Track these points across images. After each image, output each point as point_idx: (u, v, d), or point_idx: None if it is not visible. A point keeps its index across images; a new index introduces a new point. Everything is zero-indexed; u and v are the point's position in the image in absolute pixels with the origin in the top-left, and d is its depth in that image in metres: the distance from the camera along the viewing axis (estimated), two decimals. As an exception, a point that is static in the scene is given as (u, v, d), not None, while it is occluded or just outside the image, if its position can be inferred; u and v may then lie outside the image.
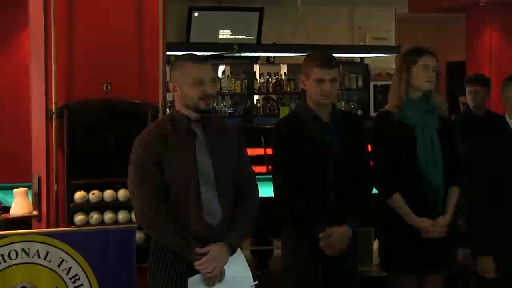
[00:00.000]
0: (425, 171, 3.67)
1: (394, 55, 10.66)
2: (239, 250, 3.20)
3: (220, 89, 10.93)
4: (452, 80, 12.52)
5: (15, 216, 4.14)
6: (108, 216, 3.91)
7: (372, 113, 11.32)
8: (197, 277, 3.08)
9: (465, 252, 4.49)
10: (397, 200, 3.69)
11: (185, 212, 3.11)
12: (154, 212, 3.11)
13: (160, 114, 4.00)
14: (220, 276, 3.11)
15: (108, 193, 3.92)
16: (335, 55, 3.72)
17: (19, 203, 4.18)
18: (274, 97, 11.47)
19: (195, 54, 3.27)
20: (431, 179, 3.68)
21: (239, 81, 11.09)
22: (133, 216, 3.91)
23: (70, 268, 3.48)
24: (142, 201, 3.12)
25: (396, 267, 3.76)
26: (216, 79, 3.22)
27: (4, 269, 3.37)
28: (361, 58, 11.55)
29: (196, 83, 3.13)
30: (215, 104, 11.04)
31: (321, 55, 3.62)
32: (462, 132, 4.70)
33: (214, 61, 10.73)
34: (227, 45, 9.09)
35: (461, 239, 4.08)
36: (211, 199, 3.15)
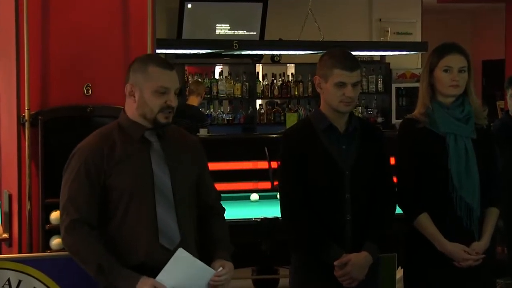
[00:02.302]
0: (458, 188, 3.67)
1: (420, 53, 10.71)
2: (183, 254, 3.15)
3: (218, 92, 10.96)
4: (488, 82, 12.56)
5: (-19, 240, 4.17)
6: (62, 240, 3.94)
7: (394, 121, 11.33)
8: None
9: (505, 283, 4.51)
10: (425, 222, 3.71)
11: (134, 234, 3.12)
12: (79, 234, 3.09)
13: (116, 119, 4.02)
14: None
15: (89, 214, 3.94)
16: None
17: (-14, 225, 4.21)
18: (279, 102, 11.51)
19: (162, 57, 3.30)
20: (465, 197, 3.68)
21: (239, 84, 11.13)
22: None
23: (45, 300, 3.51)
24: (68, 225, 3.10)
25: None
26: (180, 91, 3.28)
27: (-31, 301, 3.41)
28: (381, 56, 11.58)
29: (159, 92, 3.15)
30: (211, 110, 11.08)
31: (343, 53, 3.61)
32: (502, 143, 4.71)
33: (210, 60, 10.78)
34: (226, 42, 9.14)
35: (501, 268, 4.08)
36: (168, 220, 3.16)
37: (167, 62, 3.24)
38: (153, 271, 3.06)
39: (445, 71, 3.71)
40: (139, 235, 3.12)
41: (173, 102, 3.17)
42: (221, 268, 3.17)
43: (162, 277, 3.05)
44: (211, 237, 3.30)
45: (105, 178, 3.12)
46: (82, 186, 3.12)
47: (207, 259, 3.22)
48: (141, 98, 3.17)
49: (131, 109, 3.22)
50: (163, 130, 3.22)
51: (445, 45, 3.79)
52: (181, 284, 3.08)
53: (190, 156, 3.29)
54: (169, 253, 3.11)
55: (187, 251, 3.13)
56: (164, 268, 3.05)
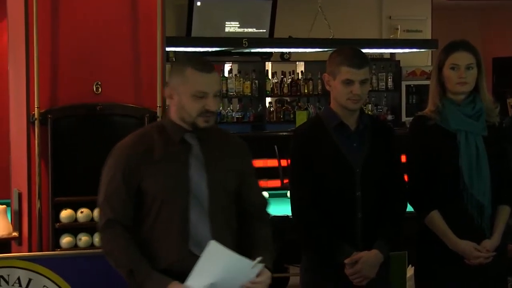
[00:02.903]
0: (469, 185, 3.67)
1: (430, 50, 10.68)
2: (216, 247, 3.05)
3: (227, 90, 10.96)
4: (499, 79, 12.53)
5: (-8, 238, 4.18)
6: (99, 238, 3.94)
7: (404, 118, 11.32)
8: None
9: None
10: (435, 219, 3.70)
11: (165, 237, 3.06)
12: (113, 234, 3.07)
13: (159, 120, 4.02)
14: None
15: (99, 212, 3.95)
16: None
17: (-4, 223, 4.22)
18: (289, 99, 11.50)
19: (201, 58, 3.18)
20: (476, 195, 3.68)
21: (248, 82, 11.11)
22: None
23: (55, 298, 3.52)
24: (103, 225, 3.08)
25: None
26: (220, 92, 3.18)
27: (-21, 299, 3.42)
28: (391, 54, 11.56)
29: (197, 96, 3.06)
30: (221, 108, 11.08)
31: (351, 51, 3.62)
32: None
33: (219, 58, 10.78)
34: (235, 40, 9.14)
35: (510, 267, 4.07)
36: (201, 226, 3.09)
37: (205, 64, 3.11)
38: (181, 277, 2.99)
39: (452, 68, 3.71)
40: (169, 239, 3.07)
41: (212, 106, 3.07)
42: (258, 261, 3.03)
43: (192, 281, 2.95)
44: (252, 245, 3.19)
45: (140, 179, 3.07)
46: (118, 186, 3.07)
47: None
48: (180, 102, 3.09)
49: (172, 111, 3.15)
50: (204, 133, 3.13)
51: (452, 43, 3.79)
52: (217, 281, 2.97)
53: (233, 161, 3.20)
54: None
55: None
56: (195, 268, 2.97)
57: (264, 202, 3.31)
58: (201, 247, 3.02)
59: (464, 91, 3.73)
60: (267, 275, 3.09)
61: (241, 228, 3.23)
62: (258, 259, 3.02)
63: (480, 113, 3.75)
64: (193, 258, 3.00)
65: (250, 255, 3.08)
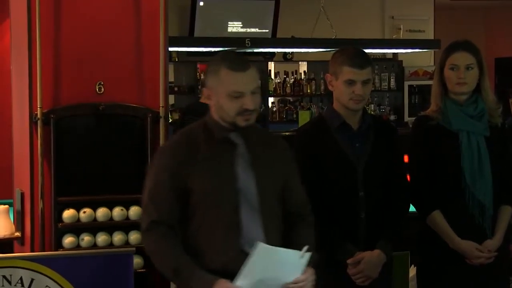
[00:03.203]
0: (471, 185, 3.66)
1: (433, 50, 10.67)
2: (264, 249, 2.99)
3: (230, 90, 10.95)
4: (501, 79, 12.52)
5: (-6, 238, 4.18)
6: (101, 238, 3.95)
7: (407, 118, 11.30)
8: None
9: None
10: (437, 219, 3.70)
11: (215, 238, 3.00)
12: (156, 236, 3.01)
13: (162, 120, 4.01)
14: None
15: (101, 212, 3.96)
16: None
17: (-1, 223, 4.22)
18: (291, 99, 11.50)
19: (235, 56, 3.11)
20: (477, 195, 3.68)
21: (251, 82, 11.10)
22: (130, 238, 3.95)
23: (57, 299, 3.51)
24: (146, 226, 3.02)
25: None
26: (259, 89, 3.14)
27: (-18, 299, 3.42)
28: (394, 54, 11.54)
29: (233, 96, 3.00)
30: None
31: (352, 51, 3.62)
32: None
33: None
34: (238, 40, 9.12)
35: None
36: (254, 226, 3.02)
37: (239, 63, 3.03)
38: (234, 277, 2.93)
39: (452, 69, 3.71)
40: (221, 238, 3.01)
41: (250, 104, 3.00)
42: (305, 250, 2.98)
43: (240, 280, 2.91)
44: (295, 245, 3.08)
45: (186, 179, 3.01)
46: (163, 186, 3.02)
47: None
48: (218, 102, 3.05)
49: (212, 111, 3.11)
50: (248, 132, 3.08)
51: (453, 43, 3.79)
52: (266, 277, 2.92)
53: (277, 160, 3.15)
54: None
55: None
56: (242, 270, 2.91)
57: (307, 203, 3.25)
58: (254, 246, 2.96)
59: (464, 91, 3.73)
60: (310, 272, 3.05)
61: (284, 228, 3.17)
62: (305, 247, 2.98)
63: (482, 114, 3.74)
64: (247, 258, 2.95)
65: None
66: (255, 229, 3.02)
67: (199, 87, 10.32)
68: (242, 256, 2.95)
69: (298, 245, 3.07)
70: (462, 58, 3.71)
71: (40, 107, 3.90)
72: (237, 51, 9.48)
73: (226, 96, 3.01)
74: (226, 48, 9.32)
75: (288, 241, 3.14)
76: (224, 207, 3.01)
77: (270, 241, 2.99)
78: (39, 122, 3.89)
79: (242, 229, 3.00)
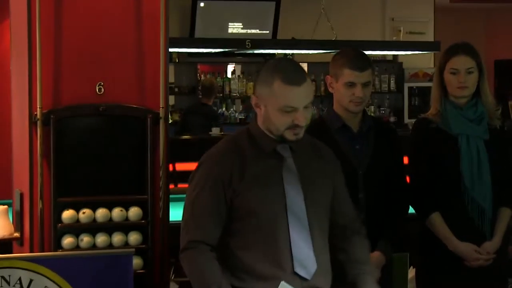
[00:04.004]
0: (470, 189, 3.67)
1: (433, 52, 10.66)
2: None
3: (230, 91, 10.96)
4: (501, 81, 12.51)
5: (-7, 238, 4.16)
6: (101, 238, 3.93)
7: (407, 120, 11.30)
8: None
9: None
10: (436, 221, 3.69)
11: (262, 259, 2.84)
12: (195, 257, 2.88)
13: (162, 121, 4.00)
14: None
15: (101, 213, 3.94)
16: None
17: (-2, 223, 4.20)
18: (292, 101, 11.47)
19: (291, 68, 2.89)
20: (476, 197, 3.68)
21: (251, 83, 11.10)
22: (129, 239, 3.93)
23: (56, 299, 3.50)
24: (185, 245, 2.90)
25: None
26: (311, 102, 2.94)
27: (-20, 300, 3.40)
28: (394, 55, 11.55)
29: (285, 111, 2.84)
30: (224, 109, 11.06)
31: (353, 54, 3.61)
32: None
33: (223, 59, 10.77)
34: (238, 41, 9.11)
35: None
36: (304, 246, 2.87)
37: (295, 76, 2.85)
38: None
39: (452, 73, 3.70)
40: (270, 259, 2.86)
41: (302, 120, 2.85)
42: None
43: None
44: (349, 259, 3.04)
45: (232, 195, 2.86)
46: (207, 202, 2.88)
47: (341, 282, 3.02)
48: (267, 114, 2.88)
49: (259, 121, 2.95)
50: (296, 144, 2.94)
51: (452, 46, 3.79)
52: None
53: (325, 171, 3.02)
54: (306, 283, 2.88)
55: (324, 279, 2.91)
56: None
57: (356, 214, 3.15)
58: (305, 267, 2.86)
59: (464, 95, 3.73)
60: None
61: (335, 242, 3.06)
62: None
63: (482, 117, 3.74)
64: (299, 282, 2.85)
65: (348, 270, 3.01)
66: (306, 249, 2.87)
67: (199, 88, 10.32)
68: (295, 280, 2.84)
69: (356, 262, 3.01)
70: (462, 62, 3.70)
71: (40, 108, 3.88)
72: (236, 51, 9.48)
73: (278, 110, 2.85)
74: (226, 49, 9.32)
75: (345, 258, 3.03)
76: (271, 226, 2.85)
77: (320, 261, 2.89)
78: (38, 122, 3.87)
79: (292, 250, 2.85)
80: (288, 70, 2.87)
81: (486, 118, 3.75)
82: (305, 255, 2.87)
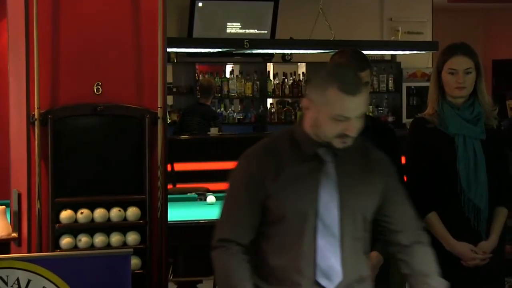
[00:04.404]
0: (466, 189, 3.67)
1: (431, 52, 10.66)
2: None
3: (228, 91, 10.95)
4: (499, 81, 12.51)
5: (-9, 238, 4.16)
6: (99, 239, 3.92)
7: (405, 120, 11.31)
8: None
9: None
10: (433, 221, 3.69)
11: (287, 265, 2.79)
12: (224, 255, 2.82)
13: (160, 121, 3.99)
14: None
15: (99, 213, 3.93)
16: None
17: (-4, 223, 4.19)
18: (290, 101, 11.48)
19: (349, 76, 2.77)
20: (473, 199, 3.68)
21: (250, 83, 11.11)
22: (128, 239, 3.92)
23: (54, 299, 3.49)
24: (215, 243, 2.85)
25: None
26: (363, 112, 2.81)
27: (-22, 300, 3.40)
28: (392, 55, 11.55)
29: (337, 119, 2.73)
30: (222, 109, 11.05)
31: (352, 53, 3.61)
32: (510, 143, 4.68)
33: (221, 59, 10.76)
34: (236, 41, 9.12)
35: (508, 268, 4.06)
36: (330, 255, 2.79)
37: (352, 85, 2.73)
38: None
39: (451, 73, 3.70)
40: (293, 265, 2.80)
41: (353, 131, 2.73)
42: None
43: None
44: (411, 271, 2.93)
45: (265, 195, 2.80)
46: (240, 201, 2.83)
47: None
48: (316, 119, 2.76)
49: (306, 123, 2.82)
50: (341, 149, 2.81)
51: (450, 46, 3.78)
52: None
53: (371, 178, 2.87)
54: None
55: None
56: None
57: (415, 222, 2.98)
58: (328, 277, 2.78)
59: (463, 95, 3.74)
60: None
61: (394, 254, 2.97)
62: None
63: (479, 117, 3.75)
64: None
65: (412, 285, 2.92)
66: (331, 259, 2.79)
67: (197, 87, 10.31)
68: None
69: (418, 274, 2.91)
70: (461, 63, 3.70)
71: (37, 108, 3.87)
72: (235, 51, 9.47)
73: (329, 118, 2.73)
74: (225, 49, 9.31)
75: (407, 270, 2.94)
76: (299, 231, 2.78)
77: (347, 272, 2.80)
78: (36, 122, 3.86)
79: (317, 258, 2.78)
80: (346, 78, 2.76)
81: (483, 118, 3.75)
82: (329, 264, 2.79)
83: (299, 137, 2.84)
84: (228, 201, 2.90)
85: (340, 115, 2.72)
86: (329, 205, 2.78)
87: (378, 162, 2.93)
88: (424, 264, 2.93)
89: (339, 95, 2.71)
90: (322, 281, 2.78)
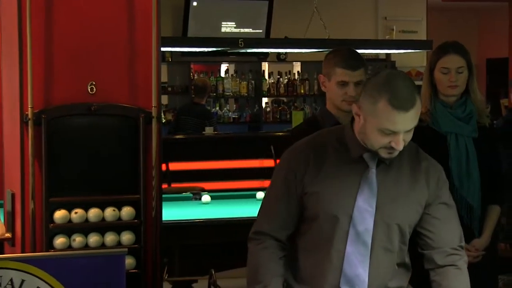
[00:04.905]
0: (459, 186, 3.67)
1: (425, 51, 10.66)
2: None
3: (223, 90, 10.94)
4: (493, 80, 12.52)
5: (-15, 239, 4.14)
6: (93, 238, 3.91)
7: (400, 118, 11.30)
8: None
9: (507, 280, 4.47)
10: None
11: (315, 266, 2.75)
12: (255, 248, 2.79)
13: (154, 120, 3.97)
14: None
15: (93, 212, 3.92)
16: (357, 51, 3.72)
17: (-10, 224, 4.18)
18: (285, 100, 11.47)
19: (402, 90, 2.63)
20: (465, 197, 3.69)
21: (245, 82, 11.10)
22: (122, 238, 3.91)
23: (49, 299, 3.47)
24: (250, 235, 2.82)
25: None
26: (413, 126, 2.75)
27: (-29, 301, 3.38)
28: (387, 54, 11.55)
29: (384, 133, 2.65)
30: (217, 108, 11.04)
31: (345, 53, 3.61)
32: (504, 141, 4.69)
33: (216, 58, 10.75)
34: (231, 40, 9.10)
35: (505, 265, 4.06)
36: (357, 263, 2.72)
37: (405, 101, 2.61)
38: None
39: (443, 72, 3.71)
40: (318, 269, 2.76)
41: (400, 145, 2.65)
42: None
43: None
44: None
45: (303, 192, 2.74)
46: (279, 196, 2.78)
47: None
48: (364, 127, 2.69)
49: (356, 128, 2.75)
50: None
51: (443, 45, 3.80)
52: None
53: (416, 189, 2.78)
54: None
55: None
56: None
57: (457, 242, 2.85)
58: (353, 286, 2.71)
59: (455, 94, 3.75)
60: None
61: (429, 271, 2.87)
62: None
63: (471, 116, 3.77)
64: None
65: None
66: (359, 267, 2.71)
67: (192, 87, 10.30)
68: None
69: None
70: (453, 61, 3.72)
71: (31, 107, 3.85)
72: (229, 51, 9.44)
73: (377, 129, 2.65)
74: (219, 48, 9.28)
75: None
76: (330, 236, 2.72)
77: (373, 282, 2.74)
78: (30, 122, 3.84)
79: (344, 265, 2.72)
80: (399, 91, 2.63)
81: (475, 117, 3.77)
82: (356, 273, 2.72)
83: (348, 137, 2.77)
84: (268, 195, 2.87)
85: (388, 129, 2.64)
86: (364, 213, 2.71)
87: (428, 171, 2.83)
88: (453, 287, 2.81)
89: (389, 109, 2.61)
90: (345, 287, 2.72)
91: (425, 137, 3.72)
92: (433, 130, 3.73)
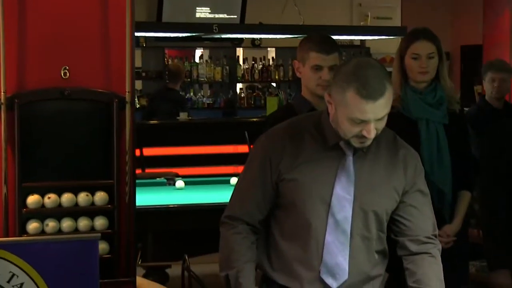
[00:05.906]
0: (430, 172, 3.68)
1: (400, 37, 10.71)
2: None
3: (198, 76, 10.94)
4: (467, 66, 12.59)
5: (-43, 224, 4.12)
6: (66, 223, 3.91)
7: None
8: None
9: (480, 265, 4.52)
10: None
11: (291, 256, 2.73)
12: (227, 232, 2.78)
13: (128, 105, 3.98)
14: None
15: (66, 198, 3.91)
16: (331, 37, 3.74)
17: (-38, 209, 4.16)
18: (260, 85, 11.49)
19: (371, 79, 2.59)
20: (437, 182, 3.71)
21: (219, 67, 11.10)
22: (95, 223, 3.91)
23: (22, 284, 3.48)
24: (222, 219, 2.81)
25: (396, 285, 3.77)
26: (387, 114, 2.73)
27: None
28: (362, 40, 11.58)
29: (355, 122, 2.62)
30: (191, 94, 11.03)
31: (319, 37, 3.63)
32: (477, 128, 4.73)
33: (190, 43, 10.73)
34: (206, 26, 9.08)
35: (477, 251, 4.10)
36: (337, 252, 2.70)
37: (374, 89, 2.58)
38: None
39: (414, 58, 3.74)
40: (298, 257, 2.74)
41: (371, 133, 2.61)
42: None
43: None
44: (410, 279, 2.79)
45: (277, 179, 2.72)
46: (253, 181, 2.76)
47: None
48: (335, 117, 2.66)
49: (330, 116, 2.72)
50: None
51: (413, 32, 3.84)
52: None
53: (393, 176, 2.76)
54: None
55: None
56: None
57: (431, 230, 2.85)
58: (334, 275, 2.70)
59: (425, 80, 3.79)
60: None
61: (402, 259, 2.85)
62: None
63: (441, 102, 3.80)
64: (322, 285, 2.71)
65: None
66: (338, 256, 2.70)
67: (167, 73, 10.28)
68: (318, 283, 2.72)
69: (416, 283, 2.76)
70: (423, 47, 3.75)
71: (3, 92, 3.84)
72: (204, 36, 9.42)
73: (347, 118, 2.63)
74: (194, 34, 9.26)
75: (407, 278, 2.80)
76: (308, 225, 2.70)
77: (354, 271, 2.72)
78: (2, 106, 3.83)
79: (323, 254, 2.70)
80: (367, 80, 2.59)
81: (446, 103, 3.80)
82: (336, 262, 2.70)
83: (325, 124, 2.75)
84: (241, 179, 2.85)
85: (358, 118, 2.61)
86: (343, 201, 2.70)
87: (405, 159, 2.82)
88: (426, 277, 2.79)
89: (357, 99, 2.59)
90: (326, 278, 2.72)
91: (396, 124, 3.74)
92: (404, 116, 3.76)
